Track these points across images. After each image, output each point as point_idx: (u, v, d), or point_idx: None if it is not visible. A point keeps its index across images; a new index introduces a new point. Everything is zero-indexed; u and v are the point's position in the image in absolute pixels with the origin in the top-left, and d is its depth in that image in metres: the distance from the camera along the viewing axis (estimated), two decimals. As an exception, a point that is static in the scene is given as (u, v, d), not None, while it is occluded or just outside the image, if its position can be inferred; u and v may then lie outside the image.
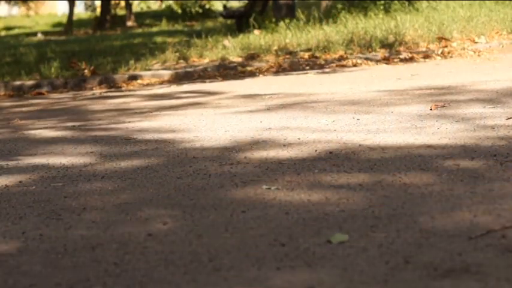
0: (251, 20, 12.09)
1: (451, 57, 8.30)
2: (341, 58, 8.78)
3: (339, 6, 12.68)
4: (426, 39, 9.38)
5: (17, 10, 33.78)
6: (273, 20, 12.18)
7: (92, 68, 9.01)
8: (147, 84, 8.27)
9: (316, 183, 2.81)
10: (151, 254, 2.13)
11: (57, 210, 2.72)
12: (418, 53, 8.64)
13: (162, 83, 8.36)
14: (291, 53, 9.44)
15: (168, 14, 23.44)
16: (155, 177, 3.13)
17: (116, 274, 1.99)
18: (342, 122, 4.18)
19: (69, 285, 1.93)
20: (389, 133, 3.71)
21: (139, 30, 19.14)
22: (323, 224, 2.30)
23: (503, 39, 9.30)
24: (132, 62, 9.20)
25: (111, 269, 2.03)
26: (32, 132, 4.83)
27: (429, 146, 3.32)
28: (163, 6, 25.05)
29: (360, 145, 3.46)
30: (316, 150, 3.41)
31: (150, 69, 9.03)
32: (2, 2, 27.68)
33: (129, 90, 7.74)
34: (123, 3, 25.12)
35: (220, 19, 16.49)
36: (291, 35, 10.41)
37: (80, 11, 29.38)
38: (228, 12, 13.89)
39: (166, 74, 8.66)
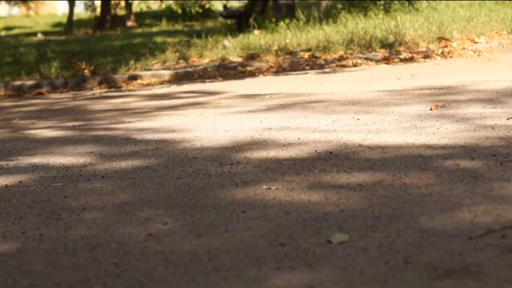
0: (251, 20, 12.09)
1: (451, 57, 8.30)
2: (341, 58, 8.78)
3: (339, 6, 12.68)
4: (426, 39, 9.38)
5: (17, 10, 33.78)
6: (273, 20, 12.18)
7: (92, 68, 9.01)
8: (147, 84, 8.27)
9: (316, 183, 2.81)
10: (151, 254, 2.13)
11: (57, 210, 2.72)
12: (418, 53, 8.64)
13: (162, 83, 8.36)
14: (291, 53, 9.44)
15: (168, 14, 23.43)
16: (155, 177, 3.13)
17: (116, 274, 1.99)
18: (342, 122, 4.18)
19: (69, 285, 1.93)
20: (389, 133, 3.71)
21: (139, 30, 19.14)
22: (323, 224, 2.30)
23: (503, 39, 9.30)
24: (132, 62, 9.21)
25: (111, 269, 2.03)
26: (32, 132, 4.83)
27: (429, 146, 3.32)
28: (163, 6, 25.05)
29: (360, 145, 3.46)
30: (316, 150, 3.41)
31: (150, 69, 9.03)
32: (2, 2, 27.68)
33: (129, 90, 7.74)
34: (123, 3, 25.12)
35: (220, 19, 16.49)
36: (291, 35, 10.41)
37: (80, 11, 29.38)
38: (228, 12, 13.89)
39: (166, 74, 8.66)
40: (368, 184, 2.73)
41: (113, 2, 24.31)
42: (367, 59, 8.51)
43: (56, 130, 4.82)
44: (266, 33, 11.02)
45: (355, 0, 12.96)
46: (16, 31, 23.40)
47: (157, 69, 9.01)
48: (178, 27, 19.48)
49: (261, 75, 8.13)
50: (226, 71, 8.68)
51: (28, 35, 20.07)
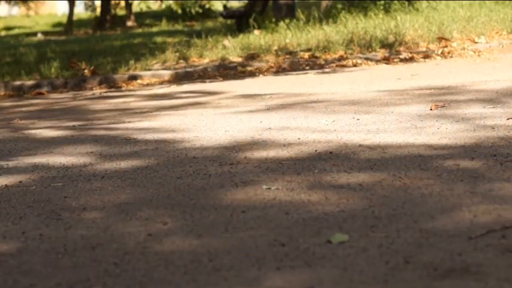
0: (251, 20, 12.09)
1: (451, 57, 8.30)
2: (341, 58, 8.78)
3: (339, 6, 12.68)
4: (426, 39, 9.38)
5: (17, 10, 33.78)
6: (273, 20, 12.18)
7: (92, 68, 9.01)
8: (147, 84, 8.27)
9: (316, 183, 2.81)
10: (151, 254, 2.13)
11: (57, 210, 2.72)
12: (418, 53, 8.64)
13: (162, 83, 8.36)
14: (291, 53, 9.44)
15: (168, 14, 23.43)
16: (155, 177, 3.13)
17: (116, 274, 1.99)
18: (342, 122, 4.18)
19: (69, 285, 1.93)
20: (389, 133, 3.71)
21: (139, 30, 19.14)
22: (323, 224, 2.30)
23: (503, 39, 9.30)
24: (132, 62, 9.21)
25: (111, 269, 2.03)
26: (32, 132, 4.83)
27: (429, 146, 3.32)
28: (163, 6, 25.05)
29: (360, 145, 3.46)
30: (316, 150, 3.41)
31: (150, 69, 9.03)
32: (2, 2, 27.68)
33: (129, 90, 7.74)
34: (123, 3, 25.12)
35: (220, 19, 16.49)
36: (291, 35, 10.41)
37: (80, 11, 29.38)
38: (228, 12, 13.88)
39: (166, 74, 8.66)
40: (368, 184, 2.73)
41: (113, 2, 24.31)
42: (367, 59, 8.51)
43: (56, 130, 4.82)
44: (266, 33, 11.02)
45: (355, 0, 12.96)
46: (16, 31, 23.40)
47: (157, 69, 9.01)
48: (178, 27, 19.48)
49: (261, 75, 8.13)
50: (226, 71, 8.68)
51: (28, 35, 20.07)
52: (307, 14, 12.13)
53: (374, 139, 3.58)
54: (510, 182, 2.62)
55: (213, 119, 4.70)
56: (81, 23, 24.69)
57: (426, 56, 8.43)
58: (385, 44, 9.29)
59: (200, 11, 23.47)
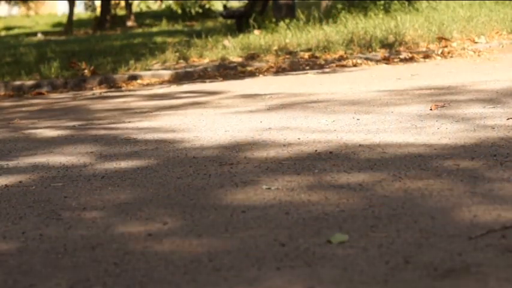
0: (251, 20, 12.09)
1: (451, 57, 8.30)
2: (341, 58, 8.78)
3: (339, 6, 12.68)
4: (426, 39, 9.38)
5: (17, 10, 33.79)
6: (273, 20, 12.18)
7: (92, 68, 9.01)
8: (147, 84, 8.27)
9: (316, 183, 2.81)
10: (151, 254, 2.13)
11: (57, 210, 2.72)
12: (418, 53, 8.64)
13: (162, 83, 8.36)
14: (291, 53, 9.44)
15: (168, 14, 23.44)
16: (155, 177, 3.13)
17: (116, 274, 1.99)
18: (342, 122, 4.18)
19: (69, 285, 1.93)
20: (389, 133, 3.71)
21: (139, 30, 19.14)
22: (323, 224, 2.30)
23: (503, 39, 9.30)
24: (132, 62, 9.21)
25: (111, 269, 2.03)
26: (32, 132, 4.83)
27: (429, 146, 3.32)
28: (163, 6, 25.05)
29: (360, 145, 3.46)
30: (316, 150, 3.41)
31: (150, 69, 9.03)
32: (2, 2, 27.68)
33: (129, 90, 7.74)
34: (123, 3, 25.12)
35: (220, 19, 16.49)
36: (291, 35, 10.41)
37: (80, 11, 29.39)
38: (228, 12, 13.88)
39: (166, 74, 8.66)
40: (368, 184, 2.73)
41: (113, 2, 24.31)
42: (367, 59, 8.51)
43: (56, 130, 4.82)
44: (266, 33, 11.03)
45: (355, 0, 12.96)
46: (16, 31, 23.40)
47: (157, 69, 9.01)
48: (178, 27, 19.48)
49: (261, 75, 8.13)
50: (226, 71, 8.68)
51: (28, 35, 20.07)
52: (307, 14, 12.13)
53: (374, 139, 3.58)
54: (510, 182, 2.62)
55: (213, 119, 4.70)
56: (81, 23, 24.69)
57: (426, 56, 8.43)
58: (385, 44, 9.29)
59: (200, 11, 23.47)
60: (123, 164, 3.46)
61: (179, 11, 23.60)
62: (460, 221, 2.22)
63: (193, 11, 23.38)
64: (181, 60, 9.61)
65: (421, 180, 2.73)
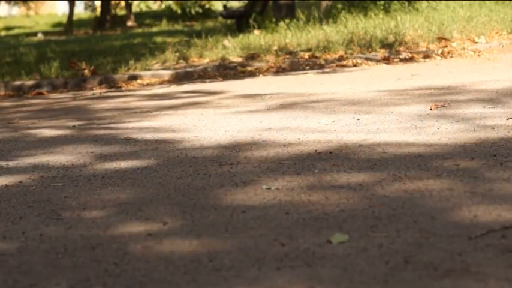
0: (251, 20, 12.09)
1: (451, 57, 8.30)
2: (341, 58, 8.78)
3: (339, 6, 12.68)
4: (426, 39, 9.38)
5: (17, 10, 33.79)
6: (273, 20, 12.18)
7: (92, 68, 9.01)
8: (147, 84, 8.27)
9: (316, 183, 2.81)
10: (151, 254, 2.13)
11: (57, 210, 2.72)
12: (418, 53, 8.64)
13: (162, 83, 8.36)
14: (291, 53, 9.44)
15: (168, 14, 23.45)
16: (155, 177, 3.13)
17: (116, 274, 1.99)
18: (342, 122, 4.18)
19: (69, 285, 1.93)
20: (389, 133, 3.71)
21: (140, 30, 19.15)
22: (323, 224, 2.30)
23: (503, 39, 9.31)
24: (132, 62, 9.21)
25: (111, 269, 2.03)
26: (32, 132, 4.83)
27: (429, 146, 3.32)
28: (163, 6, 25.05)
29: (360, 145, 3.46)
30: (316, 150, 3.41)
31: (150, 69, 9.03)
32: (2, 2, 27.68)
33: (129, 90, 7.74)
34: (123, 3, 25.13)
35: (220, 19, 16.50)
36: (291, 35, 10.42)
37: (79, 11, 29.40)
38: (228, 12, 13.89)
39: (166, 74, 8.66)
40: (368, 184, 2.73)
41: (113, 2, 24.32)
42: (367, 59, 8.51)
43: (56, 130, 4.82)
44: (266, 33, 11.03)
45: (355, 0, 12.96)
46: (16, 31, 23.41)
47: (157, 69, 9.01)
48: (178, 27, 19.49)
49: (261, 75, 8.13)
50: (226, 71, 8.68)
51: (28, 35, 20.08)
52: (307, 14, 12.13)
53: (374, 139, 3.58)
54: (510, 182, 2.62)
55: (213, 119, 4.70)
56: (81, 23, 24.70)
57: (426, 56, 8.43)
58: (385, 44, 9.29)
59: (200, 11, 23.48)
60: (123, 164, 3.46)
61: (179, 11, 23.60)
62: (460, 221, 2.22)
63: (193, 11, 23.38)
64: (181, 60, 9.62)
65: (421, 180, 2.72)
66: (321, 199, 2.58)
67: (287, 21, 11.65)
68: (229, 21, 14.09)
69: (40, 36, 19.21)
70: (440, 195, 2.51)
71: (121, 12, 25.38)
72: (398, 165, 2.99)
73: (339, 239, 2.13)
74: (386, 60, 8.39)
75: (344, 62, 8.50)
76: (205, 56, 9.70)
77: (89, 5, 27.96)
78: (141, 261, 2.08)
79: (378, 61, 8.39)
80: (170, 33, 15.32)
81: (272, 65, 8.75)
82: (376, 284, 1.79)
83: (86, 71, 8.92)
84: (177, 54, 9.86)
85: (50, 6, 34.12)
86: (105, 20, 22.10)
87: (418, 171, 2.87)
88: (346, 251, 2.04)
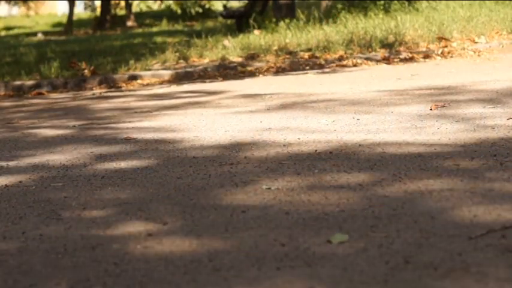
0: (251, 20, 12.09)
1: (451, 57, 8.30)
2: (341, 58, 8.78)
3: (339, 6, 12.68)
4: (426, 39, 9.38)
5: (17, 10, 33.79)
6: (273, 20, 12.18)
7: (92, 68, 9.01)
8: (147, 84, 8.27)
9: (316, 183, 2.81)
10: (151, 254, 2.13)
11: (57, 210, 2.72)
12: (418, 53, 8.64)
13: (162, 83, 8.36)
14: (291, 53, 9.44)
15: (168, 14, 23.45)
16: (155, 177, 3.13)
17: (116, 274, 1.99)
18: (342, 122, 4.18)
19: (69, 285, 1.93)
20: (389, 133, 3.71)
21: (140, 30, 19.16)
22: (323, 224, 2.30)
23: (503, 39, 9.31)
24: (132, 62, 9.21)
25: (111, 269, 2.03)
26: (32, 132, 4.83)
27: (429, 146, 3.32)
28: (163, 6, 25.06)
29: (360, 145, 3.46)
30: (316, 150, 3.41)
31: (150, 69, 9.03)
32: (2, 2, 27.68)
33: (129, 90, 7.74)
34: (123, 3, 25.13)
35: (220, 19, 16.50)
36: (291, 35, 10.42)
37: (79, 11, 29.40)
38: (228, 12, 13.89)
39: (166, 74, 8.66)
40: (368, 184, 2.73)
41: (112, 2, 24.32)
42: (367, 59, 8.52)
43: (56, 130, 4.82)
44: (266, 33, 11.03)
45: (355, 0, 12.96)
46: (16, 31, 23.41)
47: (157, 69, 9.01)
48: (178, 27, 19.49)
49: (261, 75, 8.13)
50: (226, 71, 8.68)
51: (28, 35, 20.08)
52: (307, 14, 12.13)
53: (374, 139, 3.58)
54: (510, 182, 2.62)
55: (213, 119, 4.70)
56: (81, 23, 24.70)
57: (426, 56, 8.43)
58: (385, 44, 9.29)
59: (200, 11, 23.48)
60: (123, 164, 3.46)
61: (179, 11, 23.60)
62: (460, 221, 2.22)
63: (193, 11, 23.38)
64: (181, 60, 9.62)
65: (421, 180, 2.72)
66: (321, 199, 2.58)
67: (287, 21, 11.65)
68: (229, 21, 14.09)
69: (40, 36, 19.21)
70: (440, 195, 2.51)
71: (121, 12, 25.38)
72: (398, 165, 2.99)
73: (339, 239, 2.13)
74: (386, 60, 8.39)
75: (344, 62, 8.50)
76: (205, 56, 9.70)
77: (89, 5, 27.97)
78: (141, 261, 2.08)
79: (378, 61, 8.39)
80: (170, 33, 15.33)
81: (272, 65, 8.75)
82: (376, 284, 1.79)
83: (86, 71, 8.92)
84: (177, 54, 9.86)
85: (50, 6, 34.13)
86: (105, 20, 22.10)
87: (418, 171, 2.87)
88: (346, 251, 2.04)
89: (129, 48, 11.45)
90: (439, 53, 8.50)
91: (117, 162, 3.53)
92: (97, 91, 7.98)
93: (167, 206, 2.65)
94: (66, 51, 11.54)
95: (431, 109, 4.36)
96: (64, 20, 24.80)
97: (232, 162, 3.30)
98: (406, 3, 12.33)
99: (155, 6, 26.56)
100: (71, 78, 8.73)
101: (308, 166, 3.10)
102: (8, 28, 25.20)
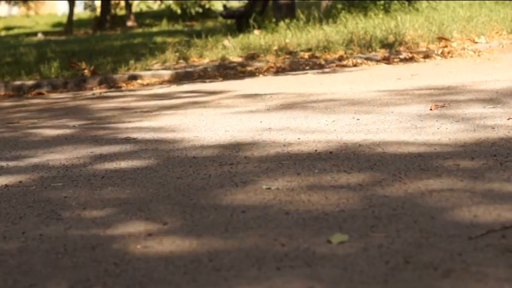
0: (251, 20, 12.09)
1: (451, 57, 8.30)
2: (341, 58, 8.78)
3: (339, 6, 12.69)
4: (426, 39, 9.38)
5: (17, 10, 33.79)
6: (273, 20, 12.18)
7: (92, 68, 9.01)
8: (147, 84, 8.27)
9: (316, 183, 2.81)
10: (151, 254, 2.13)
11: (57, 210, 2.72)
12: (418, 53, 8.64)
13: (162, 83, 8.36)
14: (291, 53, 9.44)
15: (168, 14, 23.45)
16: (155, 177, 3.13)
17: (116, 274, 1.99)
18: (342, 122, 4.18)
19: (69, 285, 1.93)
20: (389, 133, 3.71)
21: (140, 30, 19.16)
22: (323, 224, 2.30)
23: (503, 39, 9.31)
24: (132, 62, 9.21)
25: (111, 269, 2.03)
26: (32, 132, 4.83)
27: (429, 146, 3.32)
28: (163, 6, 25.06)
29: (360, 145, 3.46)
30: (316, 150, 3.41)
31: (150, 69, 9.03)
32: (2, 2, 27.68)
33: (129, 90, 7.74)
34: (123, 3, 25.14)
35: (220, 19, 16.50)
36: (291, 35, 10.42)
37: (79, 11, 29.40)
38: (228, 12, 13.89)
39: (166, 74, 8.67)
40: (368, 184, 2.73)
41: (113, 2, 24.32)
42: (367, 59, 8.52)
43: (56, 130, 4.82)
44: (266, 33, 11.03)
45: (355, 0, 12.96)
46: (16, 31, 23.41)
47: (157, 69, 9.01)
48: (178, 27, 19.49)
49: (261, 75, 8.13)
50: (226, 71, 8.68)
51: (28, 35, 20.08)
52: (307, 14, 12.13)
53: (374, 139, 3.58)
54: (510, 182, 2.62)
55: (213, 119, 4.70)
56: (81, 23, 24.70)
57: (426, 56, 8.43)
58: (385, 44, 9.29)
59: (200, 11, 23.48)
60: (123, 164, 3.46)
61: (179, 11, 23.60)
62: (460, 221, 2.22)
63: (193, 11, 23.38)
64: (181, 60, 9.62)
65: (421, 180, 2.72)
66: (321, 199, 2.58)
67: (287, 21, 11.65)
68: (229, 21, 14.09)
69: (40, 36, 19.21)
70: (440, 195, 2.51)
71: (121, 12, 25.38)
72: (398, 165, 2.99)
73: (339, 239, 2.13)
74: (386, 60, 8.39)
75: (344, 62, 8.50)
76: (205, 56, 9.70)
77: (89, 5, 27.97)
78: (141, 261, 2.08)
79: (378, 61, 8.39)
80: (170, 33, 15.33)
81: (272, 65, 8.75)
82: (376, 284, 1.79)
83: (86, 71, 8.92)
84: (177, 54, 9.86)
85: (50, 6, 34.12)
86: (105, 20, 22.10)
87: (418, 171, 2.87)
88: (346, 251, 2.04)
89: (129, 48, 11.45)
90: (439, 53, 8.50)
91: (117, 162, 3.53)
92: (97, 91, 7.98)
93: (167, 206, 2.65)
94: (66, 51, 11.54)
95: (431, 109, 4.36)
96: (64, 20, 24.80)
97: (232, 162, 3.30)
98: (406, 3, 12.33)
99: (155, 6, 26.56)
100: (71, 78, 8.73)
101: (308, 166, 3.10)
102: (8, 28, 25.20)
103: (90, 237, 2.35)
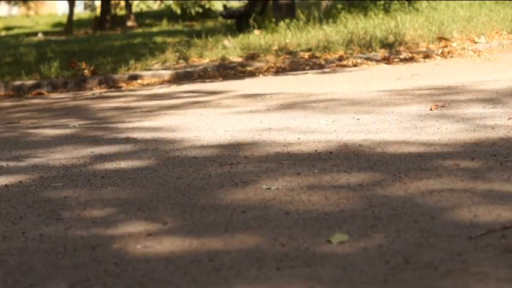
0: (251, 20, 12.09)
1: (451, 57, 8.30)
2: (341, 58, 8.78)
3: (339, 6, 12.68)
4: (426, 39, 9.38)
5: (17, 10, 33.79)
6: (273, 20, 12.18)
7: (92, 68, 9.01)
8: (147, 84, 8.27)
9: (316, 183, 2.81)
10: (151, 254, 2.13)
11: (57, 210, 2.72)
12: (418, 53, 8.64)
13: (162, 83, 8.36)
14: (291, 53, 9.44)
15: (168, 14, 23.45)
16: (155, 177, 3.13)
17: (116, 274, 1.99)
18: (342, 122, 4.18)
19: (69, 285, 1.93)
20: (389, 133, 3.71)
21: (140, 30, 19.16)
22: (323, 224, 2.30)
23: (503, 39, 9.31)
24: (132, 62, 9.21)
25: (111, 269, 2.03)
26: (32, 132, 4.83)
27: (429, 146, 3.32)
28: (163, 6, 25.06)
29: (360, 145, 3.46)
30: (316, 150, 3.41)
31: (150, 69, 9.03)
32: (2, 2, 27.69)
33: (129, 90, 7.74)
34: (123, 3, 25.13)
35: (220, 19, 16.50)
36: (291, 35, 10.41)
37: (79, 11, 29.40)
38: (228, 12, 13.89)
39: (166, 74, 8.66)
40: (368, 184, 2.73)
41: (113, 2, 24.32)
42: (367, 59, 8.51)
43: (56, 130, 4.82)
44: (266, 33, 11.03)
45: (355, 0, 12.96)
46: (16, 31, 23.41)
47: (157, 69, 9.01)
48: (178, 27, 19.49)
49: (261, 75, 8.13)
50: (226, 71, 8.68)
51: (28, 35, 20.08)
52: (307, 14, 12.13)
53: (374, 139, 3.58)
54: (510, 182, 2.62)
55: (213, 119, 4.70)
56: (81, 23, 24.70)
57: (426, 56, 8.43)
58: (385, 44, 9.29)
59: (200, 11, 23.48)
60: (123, 164, 3.46)
61: (179, 11, 23.60)
62: (460, 221, 2.22)
63: (193, 11, 23.38)
64: (181, 60, 9.61)
65: (421, 180, 2.72)
66: (321, 199, 2.58)
67: (287, 21, 11.65)
68: (229, 21, 14.09)
69: (40, 36, 19.21)
70: (440, 195, 2.51)
71: (121, 12, 25.38)
72: (398, 165, 2.99)
73: (339, 239, 2.13)
74: (386, 60, 8.39)
75: (344, 62, 8.50)
76: (205, 56, 9.70)
77: (89, 5, 27.96)
78: (141, 261, 2.08)
79: (378, 61, 8.39)
80: (170, 33, 15.33)
81: (272, 65, 8.75)
82: (376, 284, 1.79)
83: (86, 71, 8.92)
84: (177, 54, 9.86)
85: (50, 6, 34.12)
86: (105, 20, 22.10)
87: (418, 171, 2.87)
88: (346, 251, 2.04)
89: (129, 48, 11.45)
90: (439, 53, 8.50)
91: (117, 162, 3.53)
92: (97, 91, 7.97)
93: (167, 206, 2.65)
94: (66, 51, 11.54)
95: (431, 109, 4.36)
96: (64, 20, 24.80)
97: (232, 162, 3.30)
98: (406, 3, 12.33)
99: (155, 6, 26.56)
100: (71, 78, 8.72)
101: (308, 166, 3.10)
102: (8, 28, 25.20)
103: (90, 237, 2.35)
